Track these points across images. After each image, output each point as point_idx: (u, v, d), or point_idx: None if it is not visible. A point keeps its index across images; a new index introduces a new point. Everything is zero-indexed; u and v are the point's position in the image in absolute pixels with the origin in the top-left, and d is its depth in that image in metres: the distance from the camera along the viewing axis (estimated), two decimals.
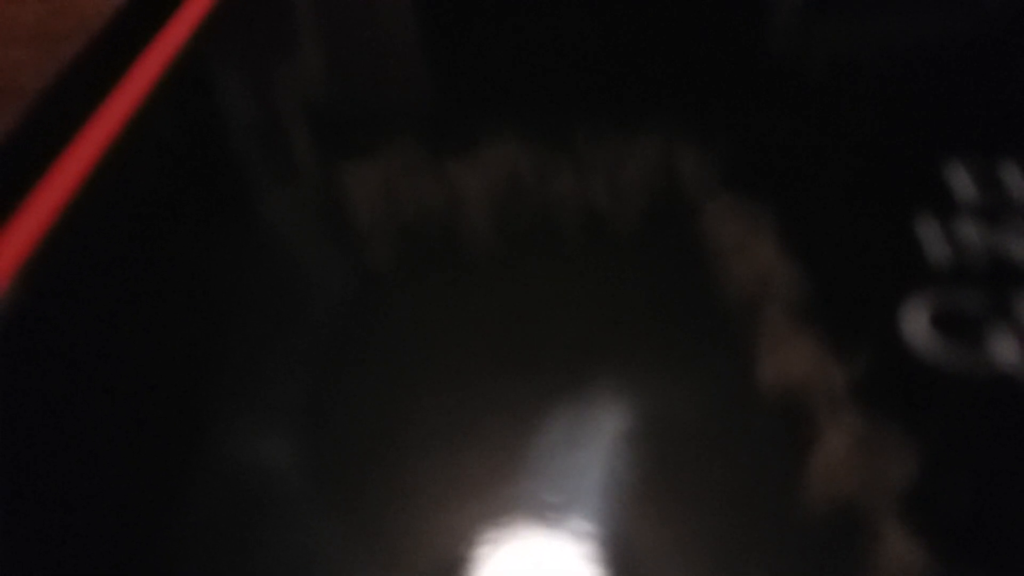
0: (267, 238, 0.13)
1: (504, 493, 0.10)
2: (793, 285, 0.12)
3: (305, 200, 0.14)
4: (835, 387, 0.10)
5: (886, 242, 0.12)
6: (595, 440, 0.10)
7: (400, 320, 0.12)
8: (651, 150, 0.14)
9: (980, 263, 0.12)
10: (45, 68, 0.16)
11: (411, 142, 0.14)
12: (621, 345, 0.11)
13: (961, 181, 0.13)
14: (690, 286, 0.12)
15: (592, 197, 0.13)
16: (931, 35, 0.16)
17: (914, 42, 0.16)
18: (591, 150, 0.14)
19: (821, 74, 0.15)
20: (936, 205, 0.13)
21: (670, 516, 0.10)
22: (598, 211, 0.13)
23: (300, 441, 0.10)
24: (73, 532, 0.10)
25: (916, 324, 0.11)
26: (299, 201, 0.14)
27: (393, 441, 0.10)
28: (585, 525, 0.09)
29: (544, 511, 0.10)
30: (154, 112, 0.15)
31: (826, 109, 0.14)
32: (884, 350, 0.11)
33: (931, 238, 0.12)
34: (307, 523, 0.10)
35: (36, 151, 0.14)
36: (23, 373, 0.11)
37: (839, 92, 0.15)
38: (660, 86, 0.15)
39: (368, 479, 0.10)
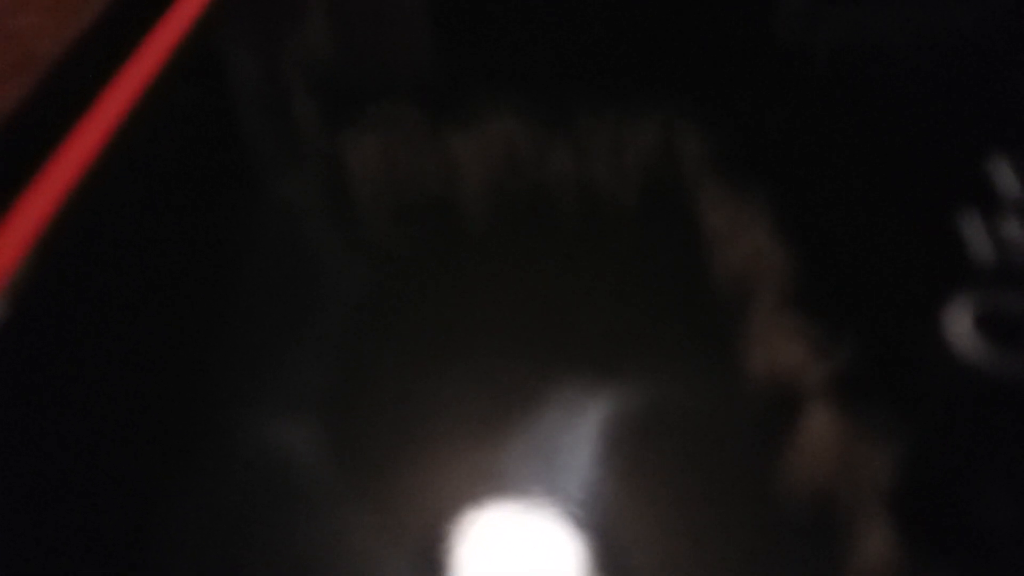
0: (278, 216, 0.13)
1: (479, 471, 0.10)
2: (805, 281, 0.12)
3: (315, 175, 0.14)
4: (841, 383, 0.10)
5: (926, 240, 0.12)
6: (581, 425, 0.10)
7: (394, 297, 0.12)
8: (652, 132, 0.14)
9: None
10: (61, 36, 0.16)
11: (421, 118, 0.14)
12: (618, 330, 0.11)
13: (1006, 178, 0.13)
14: (688, 272, 0.12)
15: (590, 177, 0.13)
16: (968, 26, 0.16)
17: (949, 30, 0.16)
18: (591, 130, 0.14)
19: (848, 62, 0.15)
20: (979, 202, 0.12)
21: (655, 502, 0.10)
22: (596, 191, 0.13)
23: (304, 423, 0.10)
24: (87, 524, 0.10)
25: (958, 324, 0.11)
26: (309, 176, 0.14)
27: (397, 422, 0.10)
28: (568, 511, 0.09)
29: (525, 493, 0.10)
30: (168, 84, 0.15)
31: (857, 99, 0.14)
32: (925, 350, 0.11)
33: (974, 236, 0.12)
34: (315, 504, 0.10)
35: (52, 119, 0.14)
36: (37, 348, 0.11)
37: (874, 81, 0.15)
38: (664, 68, 0.15)
39: (370, 461, 0.10)
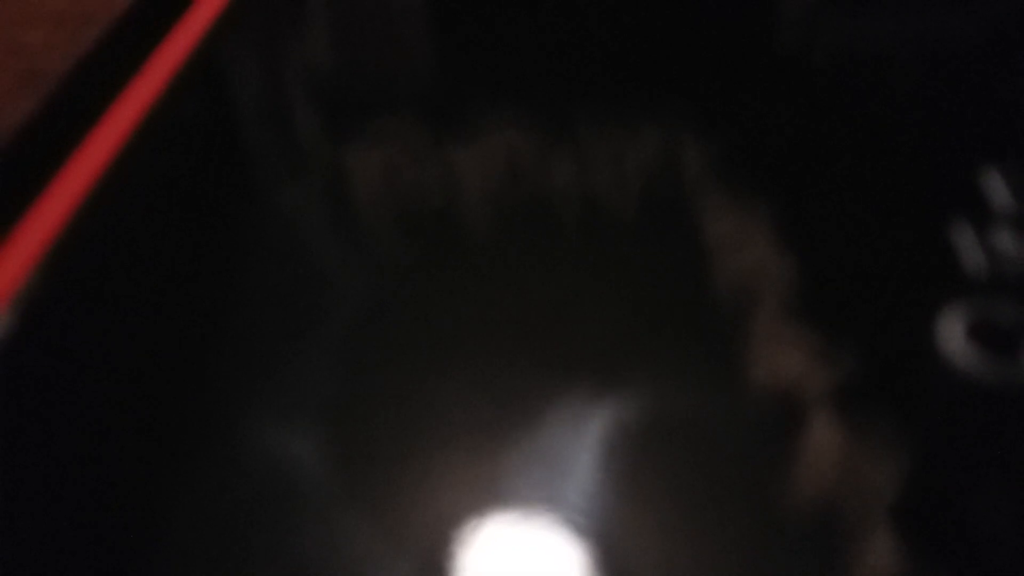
0: (282, 227, 0.13)
1: (483, 482, 0.10)
2: (804, 290, 0.12)
3: (318, 187, 0.14)
4: (839, 392, 0.10)
5: (921, 250, 0.12)
6: (583, 433, 0.10)
7: (396, 307, 0.12)
8: (653, 142, 0.14)
9: (1016, 273, 0.12)
10: (68, 51, 0.16)
11: (423, 130, 0.14)
12: (620, 339, 0.11)
13: (998, 190, 0.13)
14: (689, 281, 0.12)
15: (592, 188, 0.13)
16: (963, 36, 0.16)
17: (945, 42, 0.16)
18: (592, 140, 0.14)
19: (847, 72, 0.15)
20: (972, 214, 0.12)
21: (657, 511, 0.10)
22: (597, 202, 0.13)
23: (307, 431, 0.10)
24: (91, 529, 0.10)
25: (951, 334, 0.11)
26: (312, 188, 0.14)
27: (399, 430, 0.10)
28: (571, 518, 0.09)
29: (526, 501, 0.10)
30: (174, 98, 0.15)
31: (849, 109, 0.14)
32: (918, 359, 0.11)
33: (967, 247, 0.12)
34: (316, 511, 0.10)
35: (59, 134, 0.14)
36: (43, 359, 0.11)
37: (871, 92, 0.15)
38: (665, 78, 0.15)
39: (372, 468, 0.10)
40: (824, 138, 0.14)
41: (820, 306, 0.11)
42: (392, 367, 0.11)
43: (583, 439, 0.10)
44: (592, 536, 0.09)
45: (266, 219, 0.13)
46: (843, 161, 0.13)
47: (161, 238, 0.13)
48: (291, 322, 0.12)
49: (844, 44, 0.16)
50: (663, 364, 0.11)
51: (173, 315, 0.12)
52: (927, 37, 0.16)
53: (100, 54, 0.16)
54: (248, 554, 0.09)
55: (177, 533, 0.10)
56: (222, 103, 0.15)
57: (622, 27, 0.16)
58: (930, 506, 0.09)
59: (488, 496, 0.10)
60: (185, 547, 0.09)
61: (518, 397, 0.11)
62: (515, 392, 0.11)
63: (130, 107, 0.15)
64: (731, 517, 0.09)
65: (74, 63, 0.15)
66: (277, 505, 0.10)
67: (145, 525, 0.10)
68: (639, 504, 0.10)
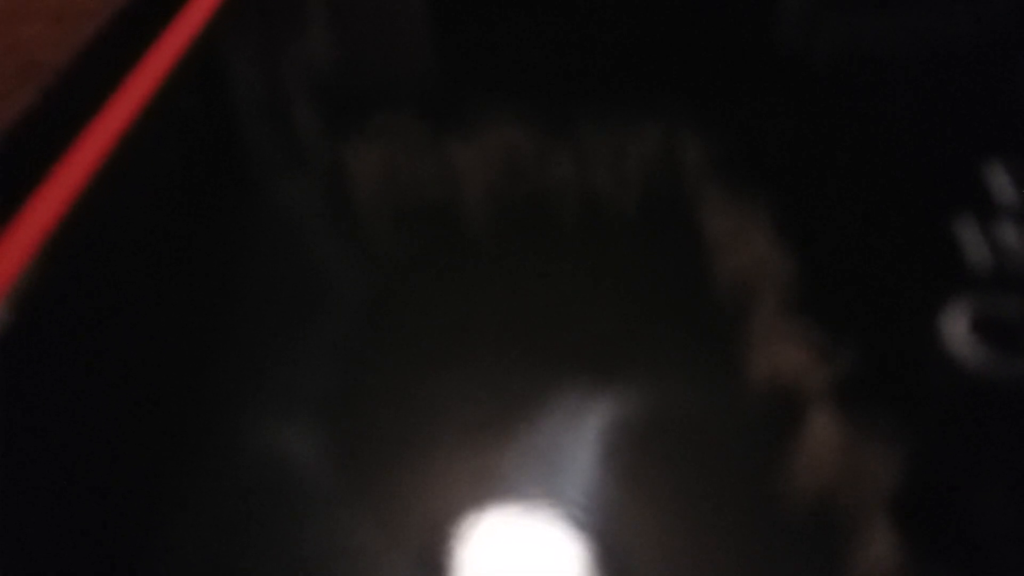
0: (281, 223, 0.13)
1: (481, 473, 0.10)
2: (805, 286, 0.12)
3: (318, 183, 0.14)
4: (840, 388, 0.10)
5: (924, 245, 0.12)
6: (582, 428, 0.10)
7: (396, 303, 0.12)
8: (653, 139, 0.14)
9: (1020, 268, 0.12)
10: (66, 45, 0.16)
11: (423, 126, 0.14)
12: (620, 335, 0.11)
13: (1001, 184, 0.13)
14: (689, 278, 0.12)
15: (592, 185, 0.13)
16: (964, 32, 0.16)
17: (947, 38, 0.16)
18: (592, 137, 0.14)
19: (847, 69, 0.15)
20: (976, 208, 0.12)
21: (656, 506, 0.10)
22: (597, 199, 0.13)
23: (307, 427, 0.10)
24: (90, 525, 0.10)
25: (955, 328, 0.11)
26: (312, 184, 0.14)
27: (398, 426, 0.10)
28: (570, 513, 0.10)
29: (526, 496, 0.10)
30: (172, 93, 0.15)
31: (849, 107, 0.14)
32: (921, 355, 0.11)
33: (971, 242, 0.12)
34: (317, 506, 0.10)
35: (56, 128, 0.14)
36: (41, 353, 0.11)
37: (872, 88, 0.15)
38: (665, 76, 0.15)
39: (372, 464, 0.10)
40: (824, 136, 0.14)
41: (821, 302, 0.11)
42: (391, 363, 0.11)
43: (582, 434, 0.10)
44: (591, 530, 0.09)
45: (265, 214, 0.13)
46: (844, 158, 0.13)
47: (159, 232, 0.13)
48: (290, 317, 0.11)
49: (844, 44, 0.16)
50: (662, 360, 0.11)
51: (171, 309, 0.12)
52: (927, 34, 0.16)
53: (98, 48, 0.16)
54: (248, 548, 0.09)
55: (176, 527, 0.10)
56: (220, 98, 0.15)
57: (622, 26, 0.16)
58: (930, 504, 0.09)
59: (487, 491, 0.10)
60: (184, 541, 0.09)
61: (517, 393, 0.11)
62: (514, 388, 0.11)
63: (128, 101, 0.15)
64: (730, 513, 0.09)
65: (72, 57, 0.15)
66: (276, 499, 0.10)
67: (144, 519, 0.10)
68: (638, 499, 0.10)
